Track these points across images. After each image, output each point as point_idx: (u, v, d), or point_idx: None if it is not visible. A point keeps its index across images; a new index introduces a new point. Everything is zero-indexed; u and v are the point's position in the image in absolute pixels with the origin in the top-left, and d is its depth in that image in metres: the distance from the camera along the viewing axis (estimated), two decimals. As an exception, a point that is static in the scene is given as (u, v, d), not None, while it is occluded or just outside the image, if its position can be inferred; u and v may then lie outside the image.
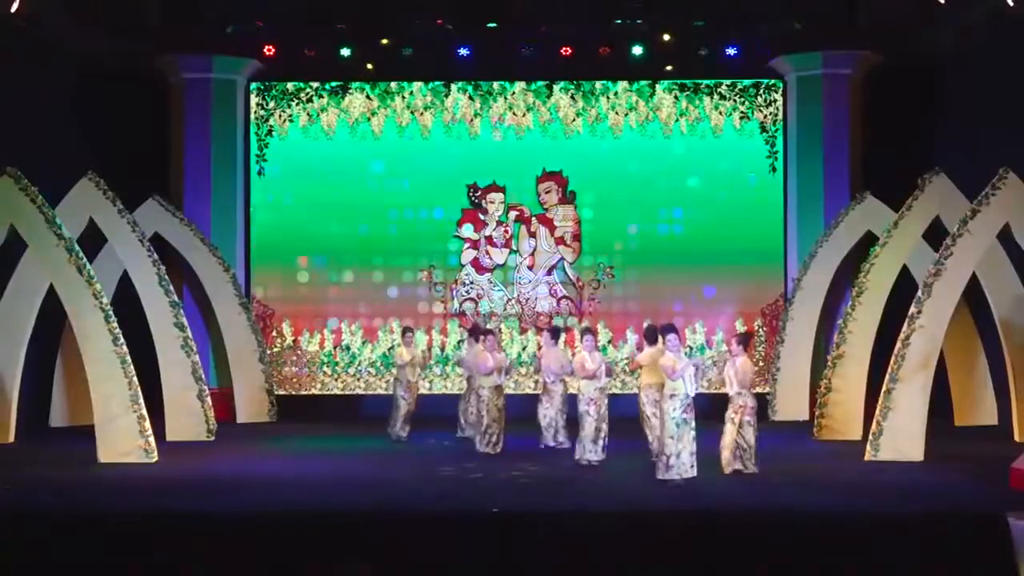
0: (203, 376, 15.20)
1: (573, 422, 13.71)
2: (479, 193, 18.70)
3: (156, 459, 13.24)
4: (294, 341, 18.57)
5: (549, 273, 18.70)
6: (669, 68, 18.33)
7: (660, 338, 12.62)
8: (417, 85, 18.64)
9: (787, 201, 18.48)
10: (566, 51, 17.80)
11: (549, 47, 17.89)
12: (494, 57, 18.06)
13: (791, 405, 17.15)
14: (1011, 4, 14.59)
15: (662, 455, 11.71)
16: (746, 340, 12.93)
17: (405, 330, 15.99)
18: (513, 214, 18.70)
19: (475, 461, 13.46)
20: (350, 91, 18.67)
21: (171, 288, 15.14)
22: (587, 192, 18.67)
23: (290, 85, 18.65)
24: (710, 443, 12.37)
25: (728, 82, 18.54)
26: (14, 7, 14.71)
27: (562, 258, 18.68)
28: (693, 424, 11.67)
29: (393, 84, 18.63)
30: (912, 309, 13.43)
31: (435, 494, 11.47)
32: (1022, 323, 14.84)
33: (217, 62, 18.09)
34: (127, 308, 14.96)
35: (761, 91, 18.59)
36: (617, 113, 18.61)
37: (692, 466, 11.64)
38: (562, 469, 12.93)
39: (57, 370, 16.52)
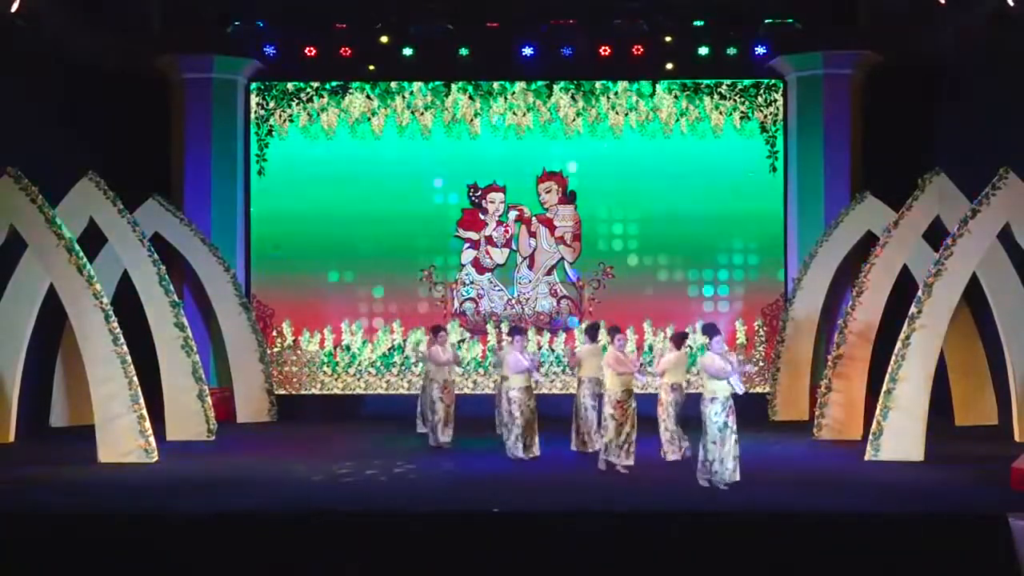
0: (203, 376, 15.19)
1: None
2: (479, 193, 18.70)
3: (156, 459, 13.25)
4: (294, 341, 18.57)
5: (549, 273, 18.69)
6: (670, 67, 18.33)
7: (609, 336, 13.46)
8: (417, 85, 18.64)
9: (787, 201, 18.47)
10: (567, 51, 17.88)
11: (549, 47, 17.89)
12: (494, 57, 18.04)
13: (791, 405, 17.18)
14: (1011, 4, 14.58)
15: (704, 461, 11.62)
16: (680, 340, 13.66)
17: (437, 328, 15.19)
18: (513, 214, 18.70)
19: (474, 460, 13.48)
20: (350, 91, 18.68)
21: (171, 288, 15.13)
22: (587, 192, 18.66)
23: (290, 85, 18.66)
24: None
25: (728, 82, 18.54)
26: (14, 7, 14.70)
27: (562, 258, 18.68)
28: (735, 427, 11.55)
29: (393, 84, 18.64)
30: (912, 309, 13.43)
31: (435, 494, 11.48)
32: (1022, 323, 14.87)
33: (217, 62, 18.10)
34: (127, 308, 14.95)
35: (761, 91, 18.58)
36: (617, 113, 18.60)
37: (735, 470, 11.52)
38: (563, 469, 12.93)
39: (57, 370, 16.51)
